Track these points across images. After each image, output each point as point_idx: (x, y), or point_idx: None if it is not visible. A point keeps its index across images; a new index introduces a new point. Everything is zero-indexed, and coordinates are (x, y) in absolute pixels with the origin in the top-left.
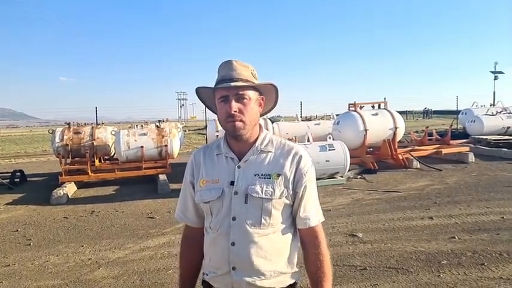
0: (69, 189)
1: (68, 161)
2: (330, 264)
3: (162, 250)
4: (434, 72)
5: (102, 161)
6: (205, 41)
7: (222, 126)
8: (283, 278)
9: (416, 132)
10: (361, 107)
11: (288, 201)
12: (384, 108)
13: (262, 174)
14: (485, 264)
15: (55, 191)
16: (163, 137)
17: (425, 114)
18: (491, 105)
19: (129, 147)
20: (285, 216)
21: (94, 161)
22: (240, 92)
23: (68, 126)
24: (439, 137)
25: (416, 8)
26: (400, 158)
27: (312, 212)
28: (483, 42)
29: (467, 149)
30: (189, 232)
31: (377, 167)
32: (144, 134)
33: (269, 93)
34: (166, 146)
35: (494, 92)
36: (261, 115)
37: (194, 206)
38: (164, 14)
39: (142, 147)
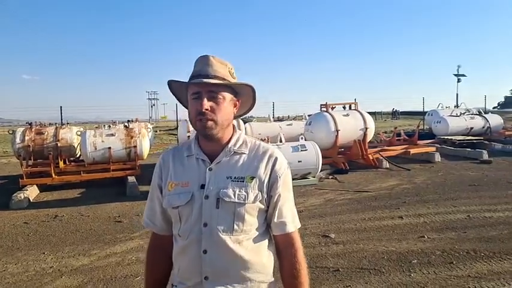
0: (31, 192)
1: (30, 163)
2: (307, 274)
3: (129, 256)
4: (402, 73)
5: (67, 163)
6: (178, 40)
7: (191, 124)
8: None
9: (385, 132)
10: (332, 108)
11: (262, 206)
12: (355, 109)
13: (235, 177)
14: (454, 262)
15: (15, 194)
16: (132, 137)
17: (393, 115)
18: (455, 106)
19: (95, 148)
20: (260, 222)
21: (58, 163)
22: (214, 90)
23: (29, 126)
24: (407, 138)
25: (383, 11)
26: (371, 158)
27: (288, 218)
28: (448, 44)
29: (433, 149)
30: (157, 240)
31: (348, 167)
32: (112, 135)
33: (246, 95)
34: (135, 146)
35: (457, 94)
36: (236, 117)
37: (162, 211)
38: (134, 10)
39: (109, 148)
